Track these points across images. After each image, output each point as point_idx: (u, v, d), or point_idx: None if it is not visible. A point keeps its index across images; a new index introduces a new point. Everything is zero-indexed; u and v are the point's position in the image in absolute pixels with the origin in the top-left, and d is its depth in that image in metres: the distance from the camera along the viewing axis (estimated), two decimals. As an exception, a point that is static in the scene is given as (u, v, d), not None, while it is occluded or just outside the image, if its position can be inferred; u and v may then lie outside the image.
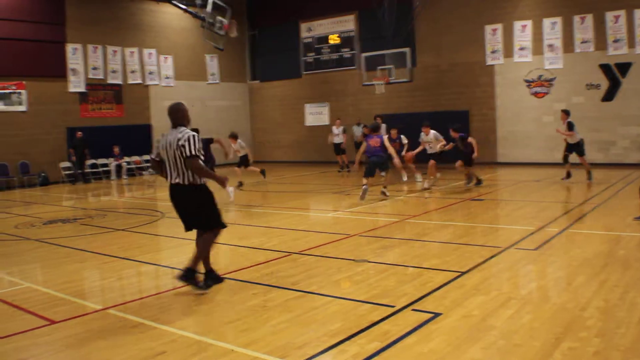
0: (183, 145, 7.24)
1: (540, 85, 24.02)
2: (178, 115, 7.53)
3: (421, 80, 26.54)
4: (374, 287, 7.37)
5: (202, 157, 7.41)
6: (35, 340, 6.16)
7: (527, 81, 24.28)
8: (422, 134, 18.08)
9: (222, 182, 7.68)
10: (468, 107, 25.63)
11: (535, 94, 24.08)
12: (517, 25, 24.33)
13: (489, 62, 25.09)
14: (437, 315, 6.17)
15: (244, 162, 20.51)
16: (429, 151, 17.95)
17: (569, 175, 17.51)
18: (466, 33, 25.41)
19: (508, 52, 24.60)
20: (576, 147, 17.29)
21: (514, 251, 9.15)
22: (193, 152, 7.23)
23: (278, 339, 5.74)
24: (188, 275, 7.50)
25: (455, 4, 25.64)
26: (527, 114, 24.25)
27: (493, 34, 24.90)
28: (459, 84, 25.86)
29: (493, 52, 24.98)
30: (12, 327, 6.54)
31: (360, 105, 28.72)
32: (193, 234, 7.82)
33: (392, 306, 6.53)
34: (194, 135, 7.34)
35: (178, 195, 7.53)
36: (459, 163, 17.49)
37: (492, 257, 8.72)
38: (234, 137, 20.44)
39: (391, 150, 15.82)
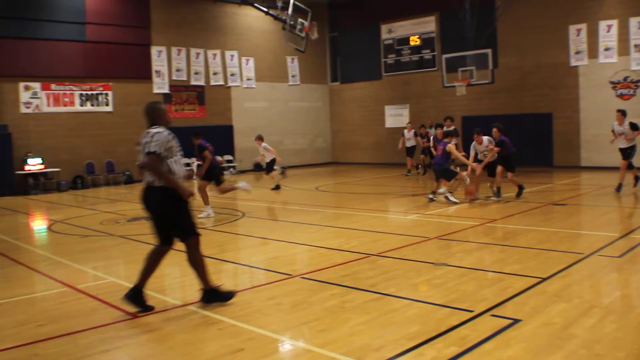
0: (147, 142, 6.86)
1: (627, 87, 23.34)
2: (153, 115, 7.23)
3: (503, 82, 26.15)
4: (453, 291, 7.30)
5: (171, 158, 6.96)
6: (118, 333, 6.35)
7: (612, 83, 23.63)
8: (475, 143, 15.82)
9: (184, 194, 6.96)
10: (551, 110, 25.13)
11: (621, 96, 23.39)
12: (602, 25, 23.69)
13: (573, 63, 24.53)
14: (516, 321, 6.08)
15: (269, 167, 20.69)
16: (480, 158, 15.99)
17: (637, 179, 16.52)
18: (549, 34, 24.91)
19: (593, 52, 24.00)
20: (626, 151, 16.24)
21: (597, 258, 8.93)
22: (152, 149, 6.78)
23: (355, 341, 5.75)
24: (210, 296, 7.11)
25: (538, 4, 25.16)
26: (612, 116, 23.36)
27: (577, 35, 24.33)
28: (542, 85, 25.37)
29: (577, 52, 24.42)
30: (97, 320, 6.75)
31: (441, 107, 28.44)
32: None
33: (471, 311, 6.46)
34: (161, 133, 6.95)
35: (149, 197, 7.01)
36: (499, 169, 15.50)
37: (574, 263, 8.52)
38: (259, 139, 20.47)
39: (459, 157, 15.56)
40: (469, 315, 6.35)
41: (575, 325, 5.93)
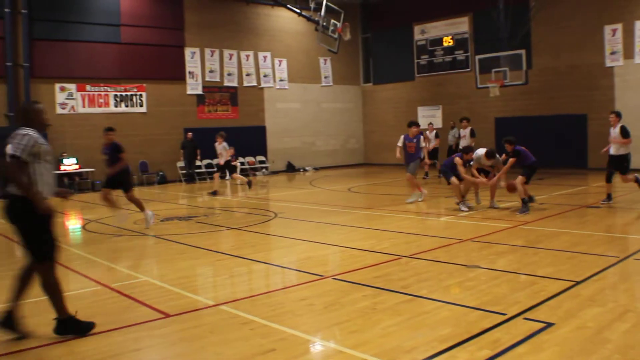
0: (8, 143, 6.19)
1: (663, 88, 23.04)
2: (25, 116, 6.45)
3: (537, 83, 25.93)
4: (486, 294, 7.26)
5: (37, 164, 6.19)
6: (151, 332, 6.40)
7: (648, 83, 23.34)
8: (482, 157, 14.83)
9: (40, 206, 6.07)
10: (586, 111, 24.86)
11: (658, 98, 23.08)
12: (638, 25, 23.37)
13: (608, 63, 24.24)
14: (549, 325, 6.02)
15: (227, 167, 20.46)
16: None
17: (609, 197, 14.80)
18: (584, 34, 24.66)
19: (628, 53, 23.69)
20: (622, 163, 14.53)
21: (632, 262, 8.83)
22: (14, 152, 6.04)
23: (387, 342, 5.74)
24: (65, 326, 6.31)
25: (573, 4, 24.93)
26: (650, 118, 23.28)
27: (613, 35, 24.03)
28: (577, 86, 25.11)
29: (612, 53, 24.13)
30: (130, 319, 6.82)
31: (474, 108, 28.32)
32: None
33: (504, 314, 6.42)
34: (29, 135, 6.16)
35: (11, 208, 6.20)
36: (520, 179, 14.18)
37: (609, 267, 8.44)
38: (221, 136, 20.28)
39: (464, 176, 14.61)
40: (502, 318, 6.30)
41: (609, 330, 5.86)
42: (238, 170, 21.61)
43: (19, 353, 5.86)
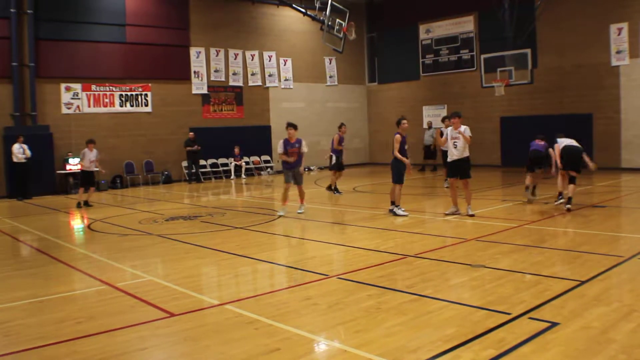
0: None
1: (669, 87, 22.96)
2: None
3: (542, 82, 25.88)
4: (490, 293, 7.24)
5: None
6: (156, 331, 6.40)
7: (654, 83, 23.26)
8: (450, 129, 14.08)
9: None
10: (591, 110, 24.78)
11: (663, 97, 23.00)
12: (644, 23, 23.35)
13: (614, 63, 24.14)
14: (554, 324, 6.01)
15: (87, 178, 18.73)
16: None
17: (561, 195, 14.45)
18: (590, 33, 24.57)
19: (634, 52, 23.59)
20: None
21: (637, 261, 8.78)
22: None
23: (391, 342, 5.73)
24: None
25: (578, 3, 24.84)
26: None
27: (618, 34, 23.94)
28: (582, 86, 25.03)
29: (618, 52, 24.03)
30: (135, 318, 6.82)
31: (479, 107, 28.27)
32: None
33: (508, 313, 6.40)
34: None
35: None
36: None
37: (614, 266, 8.40)
38: (92, 142, 18.63)
39: (395, 152, 14.48)
40: (506, 317, 6.29)
41: (614, 330, 5.84)
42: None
43: (21, 352, 5.87)
